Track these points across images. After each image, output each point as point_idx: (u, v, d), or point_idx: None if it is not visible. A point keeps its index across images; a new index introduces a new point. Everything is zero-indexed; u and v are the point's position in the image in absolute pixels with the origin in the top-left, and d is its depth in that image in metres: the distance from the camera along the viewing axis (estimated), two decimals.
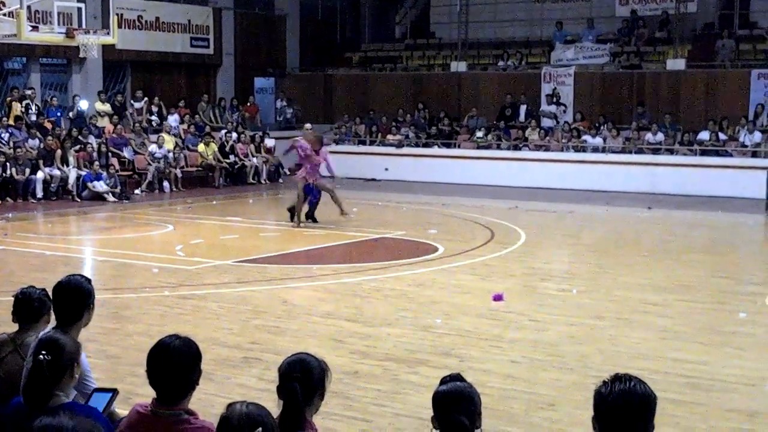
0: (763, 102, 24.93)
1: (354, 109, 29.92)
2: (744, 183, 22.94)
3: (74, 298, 4.74)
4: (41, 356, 3.86)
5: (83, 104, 25.58)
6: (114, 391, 4.25)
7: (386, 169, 27.46)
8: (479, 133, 27.45)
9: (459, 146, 27.61)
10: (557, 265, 14.79)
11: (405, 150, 27.89)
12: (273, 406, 3.58)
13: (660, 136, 25.14)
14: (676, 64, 26.56)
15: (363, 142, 28.59)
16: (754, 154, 23.92)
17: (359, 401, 7.51)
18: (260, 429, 3.14)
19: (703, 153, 24.44)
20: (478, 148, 27.13)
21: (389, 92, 30.02)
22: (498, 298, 11.35)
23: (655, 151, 25.06)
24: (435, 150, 27.73)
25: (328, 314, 10.66)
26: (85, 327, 4.81)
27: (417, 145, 27.94)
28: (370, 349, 9.18)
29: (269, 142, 28.05)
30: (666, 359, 8.82)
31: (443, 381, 3.77)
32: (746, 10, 28.22)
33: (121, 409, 4.63)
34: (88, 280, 4.88)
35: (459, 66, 29.50)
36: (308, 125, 20.99)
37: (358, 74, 31.44)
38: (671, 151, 24.92)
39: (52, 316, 4.93)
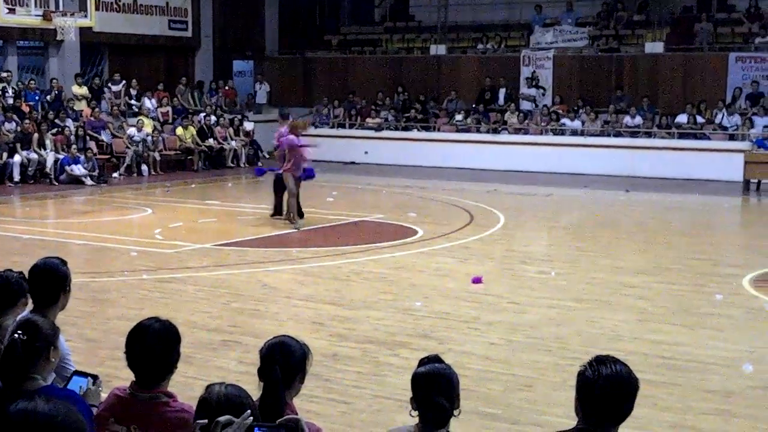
0: (740, 85, 25.05)
1: (333, 93, 29.85)
2: (721, 166, 23.07)
3: (50, 281, 4.72)
4: (17, 336, 3.84)
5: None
6: (94, 378, 4.22)
7: (366, 153, 27.43)
8: (458, 117, 27.47)
9: (438, 129, 27.61)
10: (536, 248, 14.84)
11: (384, 133, 27.87)
12: (252, 388, 3.58)
13: (638, 120, 25.23)
14: (655, 47, 26.63)
15: (342, 126, 28.55)
16: (732, 137, 24.05)
17: (339, 383, 7.54)
18: (249, 412, 3.14)
19: (681, 136, 24.56)
20: (458, 131, 27.15)
21: (369, 75, 29.96)
22: (477, 280, 11.39)
23: (634, 135, 25.16)
24: (414, 133, 27.73)
25: (307, 297, 10.67)
26: (62, 310, 4.80)
27: (396, 129, 27.92)
28: (350, 331, 9.20)
29: (248, 126, 27.96)
30: (644, 341, 8.89)
31: (422, 363, 3.79)
32: None
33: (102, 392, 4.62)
34: (64, 263, 4.85)
35: (438, 49, 29.47)
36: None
37: (338, 57, 31.35)
38: (649, 134, 25.02)
39: (30, 300, 4.91)
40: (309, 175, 16.48)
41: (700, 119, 24.70)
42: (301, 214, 15.97)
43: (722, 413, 7.01)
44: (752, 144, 22.56)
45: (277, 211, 16.66)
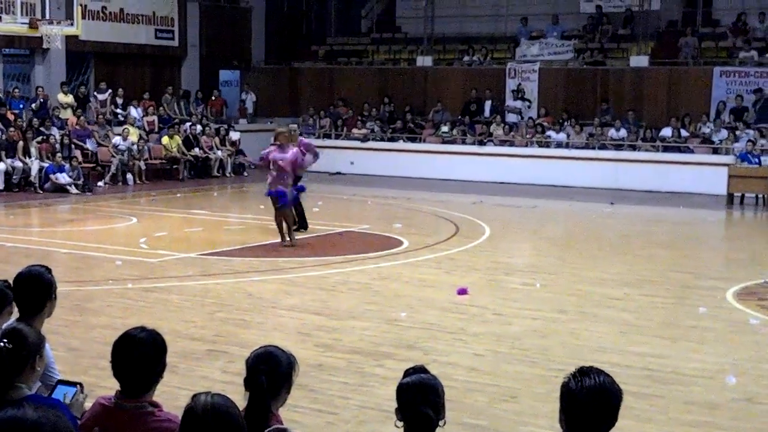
0: (724, 99, 25.21)
1: (320, 103, 29.88)
2: (705, 179, 23.19)
3: (35, 289, 4.71)
4: (2, 344, 3.84)
5: None
6: (78, 385, 4.22)
7: (352, 163, 27.46)
8: (444, 128, 27.53)
9: (424, 141, 27.67)
10: (521, 260, 14.88)
11: (370, 144, 27.91)
12: (238, 398, 3.58)
13: (623, 132, 25.36)
14: (640, 61, 26.77)
15: (328, 136, 28.57)
16: (716, 151, 24.18)
17: (324, 394, 7.54)
18: None
19: (666, 149, 24.69)
20: (443, 142, 27.21)
21: (355, 86, 30.00)
22: (462, 291, 11.42)
23: (618, 147, 25.27)
24: (400, 144, 27.78)
25: (293, 307, 10.67)
26: (48, 317, 4.78)
27: (382, 139, 27.96)
28: (336, 342, 9.21)
29: (234, 135, 27.95)
30: (627, 353, 8.92)
31: (407, 373, 3.80)
32: (709, 8, 28.51)
33: (86, 402, 4.61)
34: (49, 271, 4.84)
35: (425, 61, 29.55)
36: (293, 126, 18.27)
37: (324, 68, 31.39)
38: (634, 147, 25.14)
39: (16, 308, 4.90)
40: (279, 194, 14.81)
41: (684, 133, 24.84)
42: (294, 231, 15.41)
43: (705, 425, 7.04)
44: (736, 158, 22.69)
45: (301, 225, 15.91)
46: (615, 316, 10.48)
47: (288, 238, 14.63)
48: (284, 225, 14.64)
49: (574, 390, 3.35)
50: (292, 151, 14.71)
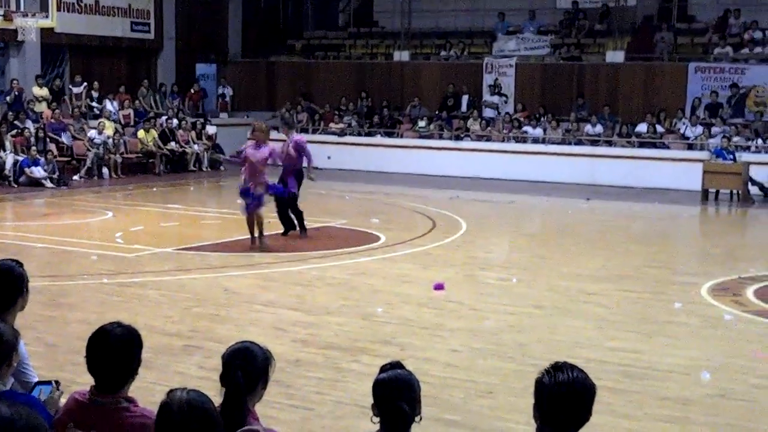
0: (700, 95, 25.35)
1: (297, 97, 29.83)
2: (680, 175, 23.32)
3: (6, 284, 4.65)
4: None
5: None
6: (54, 383, 4.20)
7: (329, 158, 27.39)
8: (421, 123, 27.56)
9: (401, 135, 27.69)
10: (497, 255, 14.92)
11: (347, 139, 27.88)
12: (213, 394, 3.58)
13: (599, 128, 25.47)
14: (616, 56, 26.89)
15: (305, 131, 28.48)
16: (691, 147, 24.33)
17: (300, 389, 7.53)
18: None
19: (641, 145, 24.82)
20: (421, 137, 27.23)
21: (332, 80, 29.96)
22: (439, 287, 11.43)
23: (594, 143, 25.38)
24: (377, 139, 27.77)
25: (269, 302, 10.66)
26: (21, 310, 4.73)
27: (359, 134, 27.95)
28: (312, 337, 9.20)
29: (210, 129, 27.85)
30: (603, 348, 8.97)
31: (383, 369, 3.80)
32: (685, 3, 28.66)
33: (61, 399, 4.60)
34: (20, 264, 4.79)
35: (402, 55, 29.55)
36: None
37: (301, 62, 31.33)
38: (610, 143, 25.25)
39: None
40: (276, 192, 14.66)
41: (660, 128, 24.97)
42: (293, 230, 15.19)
43: (680, 421, 7.09)
44: (711, 154, 22.83)
45: (290, 226, 15.24)
46: (591, 311, 10.53)
47: (258, 240, 14.01)
48: (255, 225, 13.97)
49: (547, 385, 3.37)
50: (267, 148, 14.00)
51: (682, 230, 18.82)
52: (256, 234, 14.00)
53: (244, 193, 13.89)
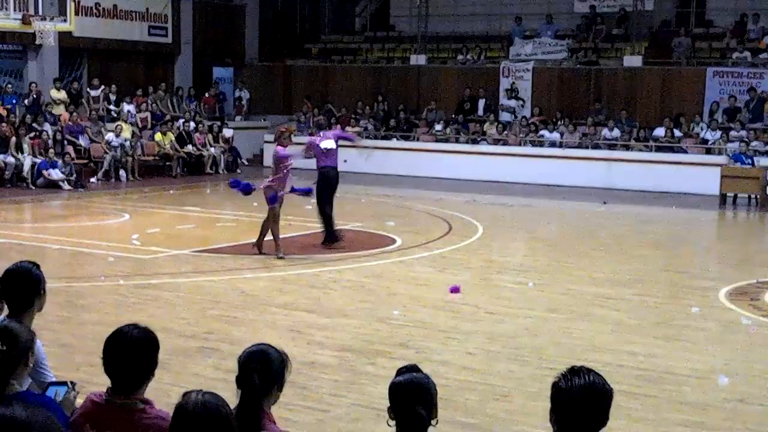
0: (718, 100, 25.24)
1: (313, 101, 29.86)
2: (698, 179, 23.20)
3: (24, 285, 4.66)
4: None
5: None
6: (70, 383, 4.20)
7: (345, 161, 27.28)
8: (438, 127, 27.55)
9: (418, 139, 27.67)
10: (514, 258, 14.88)
11: (364, 142, 27.84)
12: (229, 395, 3.57)
13: (616, 132, 25.39)
14: (633, 60, 26.80)
15: None
16: (708, 151, 24.22)
17: (316, 391, 7.53)
18: None
19: (658, 149, 24.72)
20: (437, 141, 27.21)
21: (348, 84, 29.99)
22: (455, 290, 11.41)
23: (611, 147, 25.29)
24: (394, 142, 27.76)
25: (285, 305, 10.66)
26: (39, 311, 4.75)
27: (376, 138, 27.95)
28: (328, 339, 9.20)
29: (227, 132, 27.92)
30: (619, 352, 8.93)
31: (400, 372, 3.78)
32: (703, 8, 28.57)
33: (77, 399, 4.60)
34: (37, 266, 4.80)
35: (418, 59, 29.54)
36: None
37: (318, 65, 31.37)
38: (627, 147, 25.16)
39: (6, 306, 4.87)
40: (307, 191, 14.50)
41: (677, 133, 24.88)
42: (334, 237, 14.56)
43: (697, 426, 7.05)
44: (729, 158, 22.72)
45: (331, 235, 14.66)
46: (607, 315, 10.48)
47: (255, 244, 13.92)
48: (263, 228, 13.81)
49: (564, 389, 3.35)
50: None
51: (699, 234, 18.73)
52: (272, 238, 13.68)
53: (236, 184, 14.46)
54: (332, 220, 14.64)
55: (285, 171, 13.59)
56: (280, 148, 13.83)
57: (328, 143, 14.80)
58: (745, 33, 26.70)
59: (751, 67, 25.32)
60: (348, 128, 26.18)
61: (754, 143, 23.37)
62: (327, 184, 14.73)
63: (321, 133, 15.30)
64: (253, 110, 31.09)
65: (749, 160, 22.04)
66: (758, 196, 21.53)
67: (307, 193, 14.62)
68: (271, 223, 13.67)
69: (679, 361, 8.66)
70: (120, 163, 24.26)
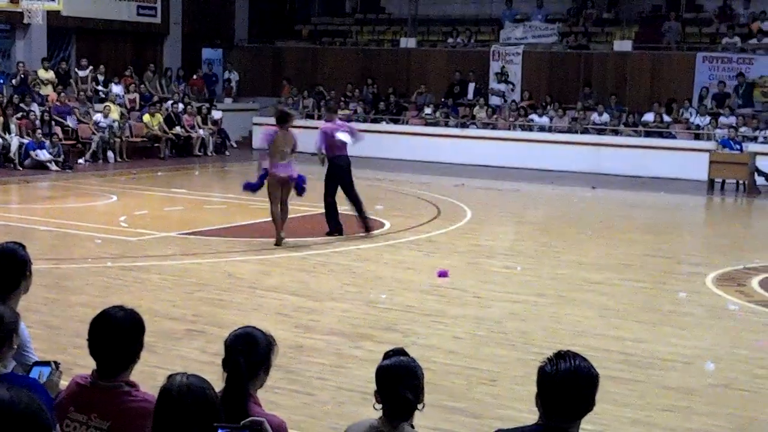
0: (707, 85, 25.26)
1: (303, 83, 29.78)
2: (687, 165, 23.24)
3: (9, 266, 4.63)
4: None
5: None
6: (53, 364, 4.18)
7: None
8: (427, 110, 27.51)
9: (407, 123, 27.62)
10: (502, 243, 14.89)
11: (353, 125, 27.77)
12: (215, 378, 3.56)
13: (606, 117, 25.39)
14: (623, 45, 26.79)
15: (311, 117, 28.45)
16: (697, 137, 24.26)
17: (303, 375, 7.53)
18: None
19: (647, 134, 24.75)
20: (427, 124, 27.18)
21: (338, 67, 29.90)
22: (443, 274, 11.42)
23: (601, 132, 25.31)
24: (383, 126, 27.70)
25: (272, 288, 10.65)
26: (25, 293, 4.72)
27: (365, 121, 27.86)
28: (315, 323, 9.19)
29: (216, 114, 27.82)
30: (606, 337, 8.95)
31: (386, 355, 3.78)
32: None
33: (62, 381, 4.58)
34: (23, 247, 4.77)
35: (408, 42, 29.47)
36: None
37: (307, 48, 31.26)
38: (616, 132, 25.18)
39: None
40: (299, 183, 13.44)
41: (666, 118, 24.90)
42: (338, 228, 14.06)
43: (683, 410, 7.07)
44: (717, 144, 22.76)
45: (365, 222, 14.17)
46: (595, 300, 10.50)
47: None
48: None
49: (549, 373, 3.35)
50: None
51: (687, 220, 18.78)
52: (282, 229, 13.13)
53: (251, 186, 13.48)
54: (336, 210, 14.26)
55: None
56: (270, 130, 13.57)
57: (344, 136, 14.61)
58: (731, 17, 26.70)
59: (741, 53, 25.33)
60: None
61: (742, 129, 23.41)
62: (337, 174, 14.38)
63: (337, 122, 15.05)
64: (242, 92, 30.98)
65: (738, 146, 22.08)
66: (746, 182, 21.58)
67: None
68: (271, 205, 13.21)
69: (666, 346, 8.69)
70: (108, 145, 24.16)
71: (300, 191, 13.37)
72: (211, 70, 30.55)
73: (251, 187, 13.53)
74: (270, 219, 13.35)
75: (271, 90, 30.41)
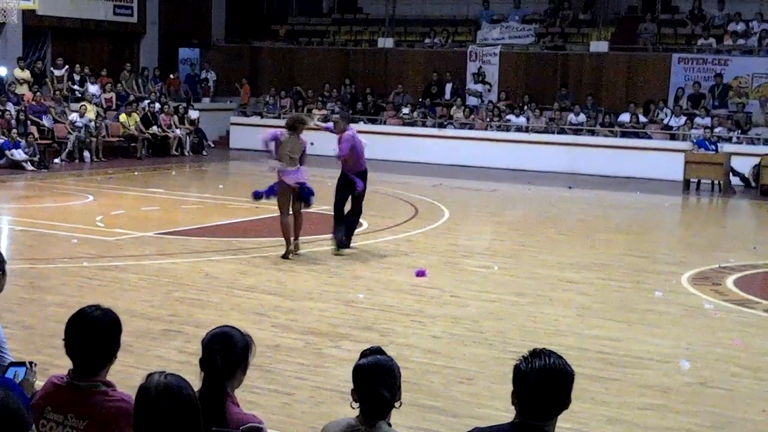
0: (683, 86, 25.42)
1: (280, 83, 29.73)
2: (662, 165, 23.39)
3: None
4: None
5: (1, 71, 25.03)
6: (29, 364, 4.16)
7: (311, 144, 27.24)
8: (405, 110, 27.52)
9: (385, 122, 27.63)
10: (479, 242, 14.93)
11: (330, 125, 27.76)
12: (193, 378, 3.56)
13: (582, 117, 25.50)
14: (599, 46, 26.91)
15: None
16: (673, 137, 24.40)
17: (281, 374, 7.52)
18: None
19: (623, 135, 24.88)
20: (404, 124, 27.19)
21: (316, 67, 29.87)
22: (421, 273, 11.43)
23: (577, 132, 25.42)
24: (361, 126, 27.65)
25: (250, 287, 10.63)
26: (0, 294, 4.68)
27: None
28: (293, 322, 9.18)
29: (193, 114, 27.73)
30: (583, 336, 8.99)
31: (363, 354, 3.79)
32: None
33: (38, 381, 4.56)
34: None
35: (386, 42, 29.48)
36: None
37: (285, 47, 31.21)
38: (592, 132, 25.30)
39: None
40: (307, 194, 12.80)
41: (642, 118, 25.04)
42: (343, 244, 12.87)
43: (659, 408, 7.11)
44: (693, 144, 22.91)
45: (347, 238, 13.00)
46: (572, 299, 10.55)
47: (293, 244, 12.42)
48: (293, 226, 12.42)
49: (525, 371, 3.37)
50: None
51: (663, 220, 18.88)
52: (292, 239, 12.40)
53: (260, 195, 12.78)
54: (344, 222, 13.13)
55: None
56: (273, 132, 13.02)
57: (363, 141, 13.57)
58: (704, 18, 26.88)
59: (716, 54, 25.50)
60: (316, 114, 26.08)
61: (717, 129, 23.57)
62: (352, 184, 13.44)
63: (351, 127, 14.01)
64: (220, 92, 30.89)
65: (713, 146, 22.23)
66: (721, 182, 21.74)
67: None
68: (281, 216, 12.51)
69: (642, 345, 8.74)
70: (84, 144, 24.02)
71: (308, 202, 12.69)
72: (194, 71, 30.45)
73: (258, 195, 12.81)
74: (278, 228, 12.63)
75: (249, 90, 30.33)
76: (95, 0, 28.01)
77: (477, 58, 27.78)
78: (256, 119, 28.18)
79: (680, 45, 26.86)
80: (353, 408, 3.69)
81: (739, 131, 23.88)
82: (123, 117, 25.41)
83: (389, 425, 3.68)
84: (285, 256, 12.28)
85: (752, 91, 24.98)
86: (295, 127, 13.01)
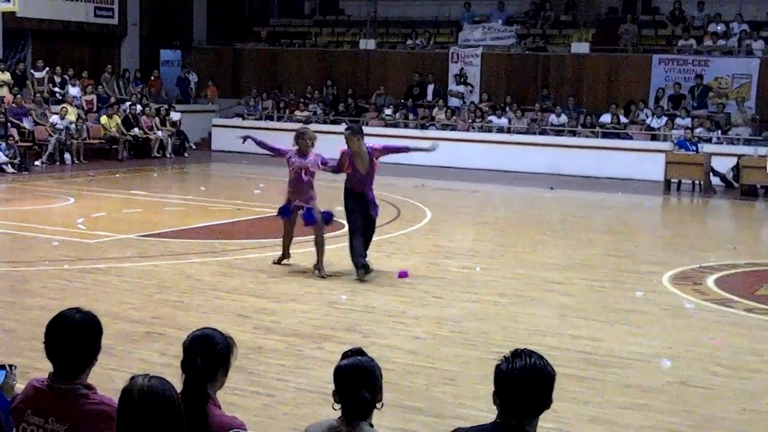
0: (663, 87, 25.55)
1: (262, 85, 29.70)
2: (643, 165, 23.51)
3: None
4: None
5: None
6: (8, 367, 4.14)
7: (294, 146, 27.27)
8: (387, 111, 27.54)
9: (367, 124, 27.62)
10: (461, 243, 14.95)
11: (312, 126, 27.70)
12: (176, 381, 3.55)
13: (563, 118, 25.58)
14: (580, 47, 27.01)
15: (270, 118, 28.39)
16: (654, 138, 24.51)
17: (263, 376, 7.51)
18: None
19: (605, 135, 24.97)
20: (386, 126, 27.20)
21: (297, 68, 29.86)
22: (403, 274, 11.44)
23: (558, 133, 25.50)
24: (343, 127, 27.59)
25: (233, 289, 10.60)
26: None
27: (325, 122, 27.86)
28: (275, 324, 9.17)
29: (175, 116, 27.66)
30: (565, 336, 9.02)
31: (345, 355, 3.79)
32: None
33: (18, 384, 4.54)
34: None
35: (368, 44, 29.49)
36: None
37: (267, 49, 31.17)
38: (574, 133, 25.38)
39: None
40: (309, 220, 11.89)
41: (623, 119, 25.14)
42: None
43: (641, 408, 7.14)
44: (673, 144, 23.02)
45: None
46: (554, 299, 10.58)
47: (318, 267, 11.60)
48: (316, 247, 11.75)
49: (505, 371, 3.39)
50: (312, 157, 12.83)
51: (644, 220, 18.96)
52: (317, 260, 11.67)
53: (284, 211, 12.10)
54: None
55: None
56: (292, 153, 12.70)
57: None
58: (685, 19, 27.03)
59: (696, 55, 25.64)
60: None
61: (698, 130, 23.69)
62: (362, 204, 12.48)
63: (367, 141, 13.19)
64: (201, 94, 30.83)
65: (693, 147, 22.35)
66: (702, 182, 21.86)
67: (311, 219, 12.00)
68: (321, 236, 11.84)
69: (623, 345, 8.77)
70: (65, 146, 23.92)
71: (309, 221, 11.89)
72: (185, 74, 30.31)
73: (282, 212, 12.15)
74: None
75: (230, 92, 30.30)
76: (76, 1, 27.91)
77: (459, 60, 27.83)
78: (237, 120, 28.14)
79: (661, 46, 27.01)
80: (335, 409, 3.69)
81: (719, 131, 24.01)
82: (104, 119, 25.32)
83: (371, 426, 3.69)
84: (276, 262, 12.11)
85: (732, 92, 25.13)
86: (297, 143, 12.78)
